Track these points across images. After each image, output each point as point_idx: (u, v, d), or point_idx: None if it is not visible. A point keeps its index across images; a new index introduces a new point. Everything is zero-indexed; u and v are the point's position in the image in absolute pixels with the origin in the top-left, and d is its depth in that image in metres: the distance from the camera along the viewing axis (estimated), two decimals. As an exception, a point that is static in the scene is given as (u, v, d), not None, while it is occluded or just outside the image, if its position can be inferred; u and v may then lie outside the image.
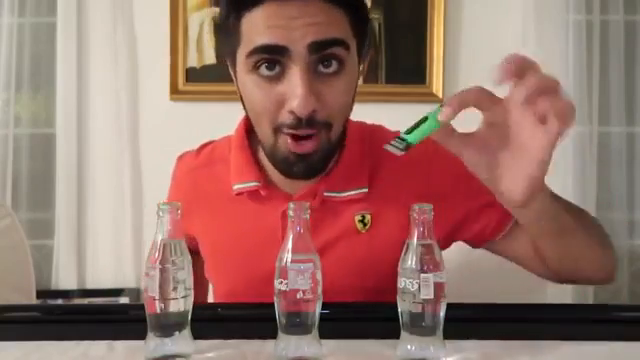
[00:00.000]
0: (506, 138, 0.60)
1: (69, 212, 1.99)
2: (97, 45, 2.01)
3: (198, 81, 2.02)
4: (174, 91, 2.01)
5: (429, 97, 1.99)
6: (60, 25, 1.98)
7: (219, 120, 1.95)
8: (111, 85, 2.00)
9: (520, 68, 0.56)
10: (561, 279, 0.87)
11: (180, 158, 0.99)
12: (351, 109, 0.80)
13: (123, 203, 2.01)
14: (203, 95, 2.02)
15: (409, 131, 0.60)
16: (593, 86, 1.97)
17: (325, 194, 0.83)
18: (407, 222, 0.63)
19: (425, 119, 0.60)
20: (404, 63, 2.00)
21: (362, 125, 0.89)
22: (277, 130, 0.74)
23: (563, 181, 1.95)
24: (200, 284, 1.00)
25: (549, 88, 0.56)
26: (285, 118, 0.73)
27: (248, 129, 0.86)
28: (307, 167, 0.76)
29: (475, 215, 0.86)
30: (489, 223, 0.86)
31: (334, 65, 0.72)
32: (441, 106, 0.59)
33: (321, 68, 0.72)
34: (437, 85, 2.00)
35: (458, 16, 2.02)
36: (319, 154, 0.76)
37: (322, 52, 0.70)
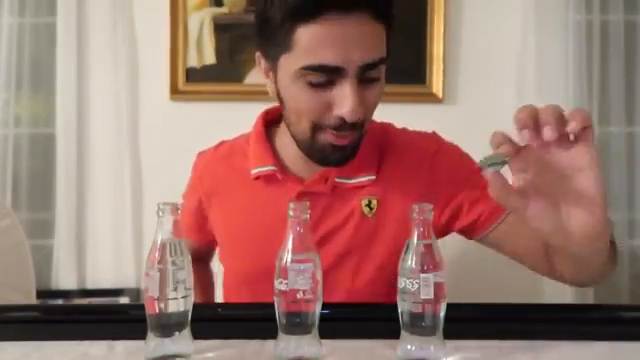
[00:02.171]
0: (557, 180, 0.61)
1: (69, 212, 1.99)
2: (97, 45, 2.01)
3: (198, 81, 2.02)
4: (174, 91, 2.01)
5: (429, 97, 1.99)
6: (60, 25, 1.98)
7: (219, 120, 1.97)
8: (111, 85, 2.00)
9: (534, 115, 0.58)
10: (564, 281, 0.87)
11: (200, 153, 1.05)
12: None
13: (123, 203, 2.01)
14: (203, 95, 2.02)
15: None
16: (593, 86, 1.96)
17: (336, 180, 0.90)
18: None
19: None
20: (404, 63, 2.00)
21: (373, 122, 0.93)
22: (317, 128, 0.81)
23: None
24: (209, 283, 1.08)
25: (561, 115, 0.58)
26: (331, 120, 0.80)
27: (266, 125, 0.96)
28: (343, 156, 0.84)
29: (471, 203, 0.90)
30: (483, 213, 0.90)
31: (374, 77, 0.80)
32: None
33: (365, 77, 0.79)
34: (437, 85, 2.00)
35: (458, 16, 2.01)
36: (353, 145, 0.84)
37: (370, 71, 0.78)
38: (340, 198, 0.90)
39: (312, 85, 0.78)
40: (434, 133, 0.98)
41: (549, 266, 0.85)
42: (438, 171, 0.92)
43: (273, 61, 0.82)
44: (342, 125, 0.80)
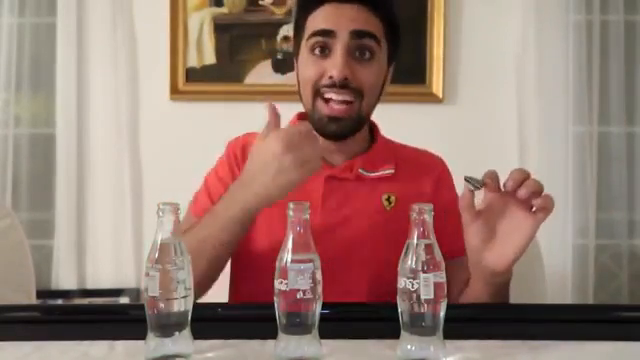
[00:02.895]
0: (502, 221, 0.80)
1: (69, 212, 1.99)
2: (97, 45, 2.01)
3: (198, 81, 2.02)
4: (174, 91, 2.01)
5: (429, 97, 2.00)
6: (60, 25, 1.98)
7: (219, 120, 1.98)
8: (111, 85, 2.00)
9: (525, 177, 0.76)
10: None
11: (235, 139, 1.08)
12: (378, 98, 1.01)
13: (123, 203, 2.01)
14: (203, 95, 2.02)
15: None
16: (593, 86, 1.97)
17: (359, 171, 1.00)
18: None
19: None
20: (404, 63, 1.99)
21: (388, 139, 1.09)
22: (316, 94, 0.95)
23: (563, 181, 1.96)
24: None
25: (540, 189, 0.76)
26: (325, 81, 0.94)
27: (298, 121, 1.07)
28: (337, 128, 0.96)
29: (440, 229, 0.90)
30: (443, 245, 0.90)
31: (367, 54, 0.95)
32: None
33: (358, 55, 0.95)
34: (437, 85, 2.00)
35: (458, 16, 2.02)
36: (348, 120, 0.96)
37: (359, 40, 0.94)
38: (364, 188, 1.00)
39: (313, 53, 0.95)
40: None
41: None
42: (440, 187, 1.04)
43: (297, 50, 1.00)
44: (333, 84, 0.93)
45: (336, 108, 0.94)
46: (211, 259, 0.87)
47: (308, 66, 0.97)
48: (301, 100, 1.01)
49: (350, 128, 0.98)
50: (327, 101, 0.95)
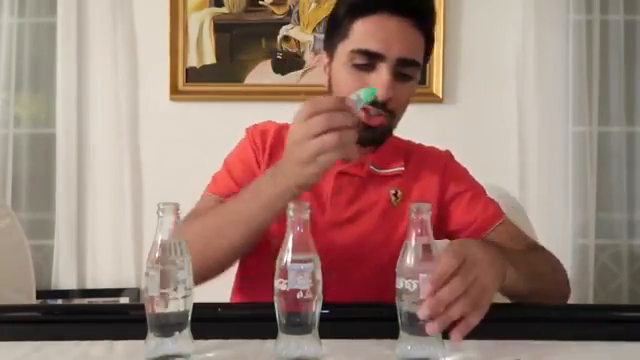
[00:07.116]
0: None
1: (69, 212, 1.99)
2: (97, 45, 2.01)
3: (198, 81, 2.02)
4: (174, 91, 2.01)
5: (429, 97, 1.99)
6: (60, 25, 1.98)
7: (219, 120, 1.98)
8: (111, 85, 2.00)
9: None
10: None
11: (252, 126, 1.09)
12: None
13: (123, 203, 2.01)
14: (203, 95, 2.02)
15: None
16: (593, 86, 1.96)
17: (369, 167, 1.02)
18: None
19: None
20: (404, 63, 2.00)
21: (397, 137, 1.09)
22: None
23: (563, 181, 1.95)
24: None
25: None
26: None
27: None
28: (371, 136, 0.96)
29: (470, 203, 1.03)
30: (478, 217, 1.03)
31: (407, 77, 0.96)
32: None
33: (400, 73, 0.94)
34: (437, 85, 2.00)
35: (458, 16, 2.01)
36: (381, 130, 0.97)
37: (404, 67, 0.94)
38: (373, 184, 1.02)
39: (356, 67, 0.94)
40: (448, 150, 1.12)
41: None
42: (450, 174, 1.06)
43: (332, 51, 0.99)
44: (374, 102, 0.92)
45: (373, 118, 0.94)
46: (241, 236, 0.85)
47: (347, 77, 0.96)
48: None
49: (382, 138, 0.99)
50: (364, 110, 0.92)
